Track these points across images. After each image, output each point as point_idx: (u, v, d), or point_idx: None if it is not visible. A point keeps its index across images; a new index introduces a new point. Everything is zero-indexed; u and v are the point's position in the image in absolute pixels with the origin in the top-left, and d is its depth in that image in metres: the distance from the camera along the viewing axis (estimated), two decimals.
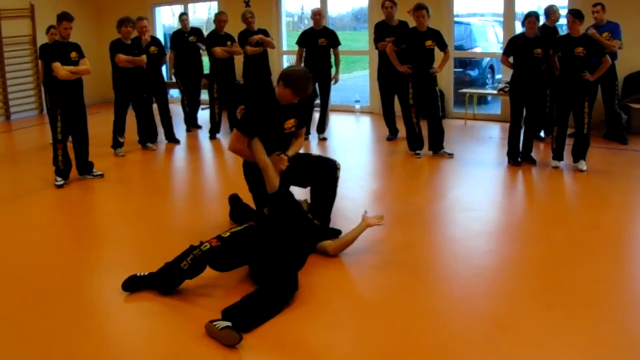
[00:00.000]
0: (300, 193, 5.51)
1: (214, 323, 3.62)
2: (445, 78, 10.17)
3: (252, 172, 4.69)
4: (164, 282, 4.19)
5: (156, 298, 4.26)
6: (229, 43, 9.16)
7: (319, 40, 8.93)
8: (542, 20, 7.57)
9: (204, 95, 10.17)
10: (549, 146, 7.56)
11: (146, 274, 4.27)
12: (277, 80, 4.63)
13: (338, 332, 3.70)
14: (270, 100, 4.62)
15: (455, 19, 10.86)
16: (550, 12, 8.11)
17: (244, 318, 3.69)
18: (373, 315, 3.89)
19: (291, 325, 3.79)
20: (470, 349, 3.53)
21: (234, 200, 5.54)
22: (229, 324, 3.60)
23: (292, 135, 4.85)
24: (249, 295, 3.86)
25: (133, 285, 4.23)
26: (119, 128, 8.40)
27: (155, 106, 8.94)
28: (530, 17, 7.07)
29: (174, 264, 4.17)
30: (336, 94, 10.11)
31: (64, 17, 6.81)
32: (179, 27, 9.90)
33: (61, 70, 6.75)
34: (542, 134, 8.63)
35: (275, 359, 3.51)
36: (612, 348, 3.49)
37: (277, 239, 4.35)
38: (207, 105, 9.72)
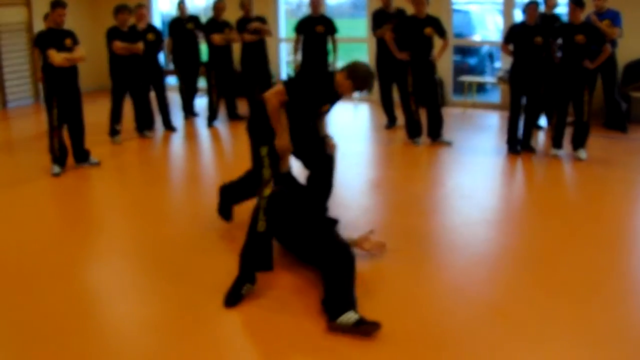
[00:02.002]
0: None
1: (339, 321, 3.55)
2: (444, 66, 10.10)
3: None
4: (257, 260, 4.06)
5: (150, 286, 4.24)
6: (227, 30, 9.11)
7: (317, 28, 8.87)
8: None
9: (202, 83, 10.12)
10: (549, 134, 7.53)
11: (238, 277, 4.03)
12: (343, 68, 4.62)
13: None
14: (329, 82, 4.65)
15: (455, 6, 10.80)
16: None
17: (345, 299, 3.69)
18: (372, 303, 3.87)
19: (293, 318, 3.79)
20: (468, 336, 3.53)
21: (226, 192, 5.23)
22: (357, 317, 3.55)
23: (320, 116, 4.97)
24: (329, 279, 3.84)
25: (235, 297, 3.95)
26: (115, 116, 8.36)
27: (152, 94, 8.89)
28: (531, 4, 7.03)
29: (251, 234, 4.06)
30: None
31: (58, 4, 6.75)
32: (177, 14, 9.83)
33: (57, 57, 6.69)
34: (542, 122, 8.58)
35: (277, 349, 3.50)
36: (609, 336, 3.49)
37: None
38: (205, 93, 9.68)
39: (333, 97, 4.75)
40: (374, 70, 4.70)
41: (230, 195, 5.20)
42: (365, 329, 3.51)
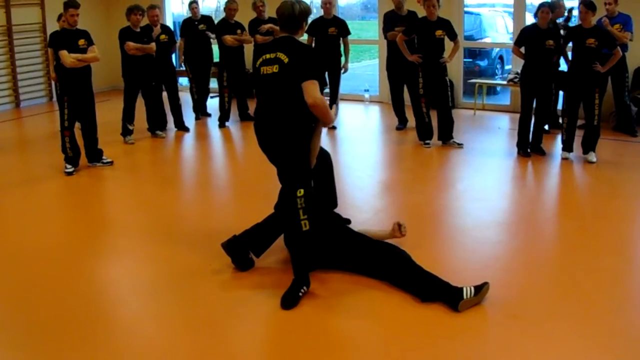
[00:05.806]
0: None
1: (465, 299, 3.78)
2: (455, 68, 10.11)
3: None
4: (311, 261, 4.15)
5: (163, 284, 4.28)
6: (238, 31, 9.17)
7: (329, 30, 8.89)
8: None
9: (214, 84, 10.16)
10: (558, 138, 7.53)
11: (294, 281, 4.03)
12: (297, 31, 4.11)
13: (352, 320, 3.75)
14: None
15: (465, 9, 10.81)
16: (557, 6, 8.03)
17: (434, 281, 3.98)
18: (383, 304, 3.91)
19: (312, 316, 3.82)
20: (480, 338, 3.55)
21: (231, 246, 4.48)
22: (469, 287, 3.83)
23: None
24: (400, 277, 4.09)
25: (293, 300, 3.93)
26: (128, 116, 8.41)
27: (164, 94, 8.95)
28: (544, 8, 7.03)
29: (296, 238, 4.02)
30: (345, 83, 10.09)
31: (70, 4, 6.79)
32: (189, 15, 9.89)
33: (67, 58, 6.74)
34: (546, 127, 8.55)
35: (300, 346, 3.55)
36: (621, 338, 3.50)
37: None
38: (217, 94, 9.73)
39: None
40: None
41: (246, 244, 4.51)
42: (484, 290, 3.85)
